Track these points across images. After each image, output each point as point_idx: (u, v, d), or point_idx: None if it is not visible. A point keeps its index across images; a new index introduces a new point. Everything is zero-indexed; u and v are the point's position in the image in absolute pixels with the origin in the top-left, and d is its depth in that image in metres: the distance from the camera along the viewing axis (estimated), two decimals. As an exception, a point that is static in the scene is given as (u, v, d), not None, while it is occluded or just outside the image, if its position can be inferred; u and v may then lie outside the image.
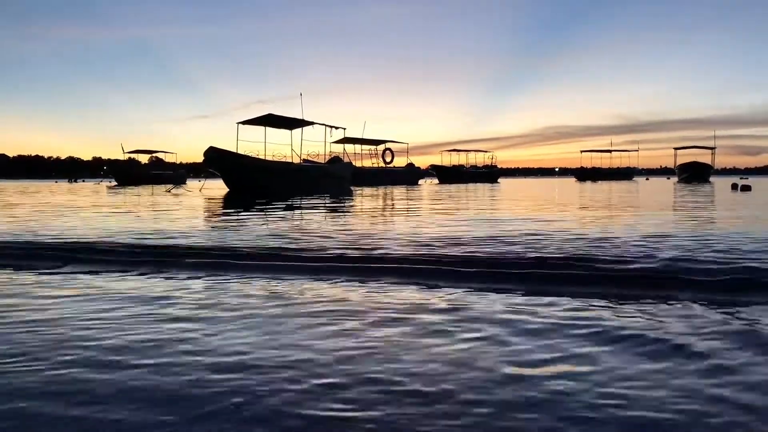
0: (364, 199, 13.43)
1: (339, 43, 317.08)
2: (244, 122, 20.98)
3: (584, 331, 2.03)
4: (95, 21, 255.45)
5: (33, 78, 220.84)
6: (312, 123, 22.40)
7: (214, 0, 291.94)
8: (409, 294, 2.73)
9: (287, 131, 23.30)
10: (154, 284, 3.04)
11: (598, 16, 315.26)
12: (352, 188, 22.53)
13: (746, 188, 17.83)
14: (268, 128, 22.22)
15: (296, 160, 22.84)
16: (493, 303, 2.50)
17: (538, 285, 2.91)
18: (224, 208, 10.16)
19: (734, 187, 18.81)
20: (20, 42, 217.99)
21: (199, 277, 3.22)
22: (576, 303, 2.47)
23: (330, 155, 25.99)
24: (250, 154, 19.88)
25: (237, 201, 12.33)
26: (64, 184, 40.02)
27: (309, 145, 29.18)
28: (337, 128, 24.41)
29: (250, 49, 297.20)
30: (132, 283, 3.07)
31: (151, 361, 1.73)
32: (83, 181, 64.08)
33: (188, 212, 8.75)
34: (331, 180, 22.61)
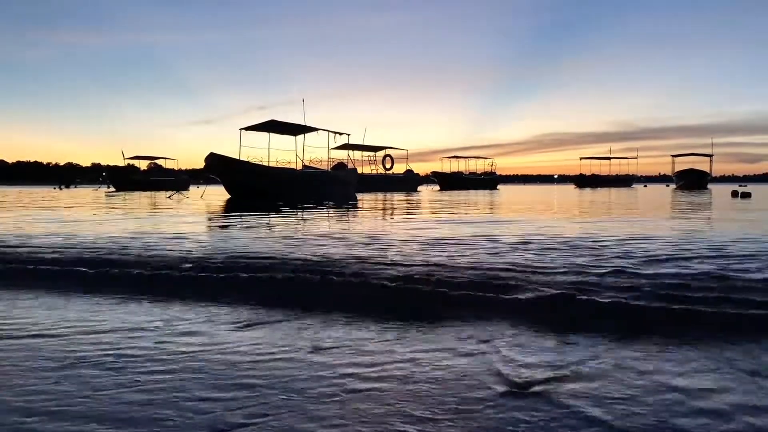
0: (348, 207, 13.49)
1: (339, 50, 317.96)
2: (248, 128, 20.93)
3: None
4: (96, 27, 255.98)
5: (33, 84, 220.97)
6: (316, 129, 22.36)
7: (214, 6, 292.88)
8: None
9: (289, 137, 23.29)
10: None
11: (597, 25, 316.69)
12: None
13: (746, 195, 18.36)
14: (270, 134, 22.22)
15: (299, 166, 22.84)
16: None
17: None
18: (216, 219, 10.22)
19: (734, 194, 19.27)
20: (20, 48, 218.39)
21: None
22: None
23: (332, 161, 25.98)
24: (253, 161, 19.87)
25: (232, 209, 12.39)
26: (75, 190, 39.70)
27: (312, 151, 29.23)
28: (341, 134, 24.36)
29: (251, 56, 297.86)
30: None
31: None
32: (74, 187, 62.25)
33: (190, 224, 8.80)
34: (335, 186, 22.51)
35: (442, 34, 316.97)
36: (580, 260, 3.74)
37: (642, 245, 4.53)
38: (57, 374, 1.77)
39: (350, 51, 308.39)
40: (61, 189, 48.64)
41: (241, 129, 20.89)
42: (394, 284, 2.96)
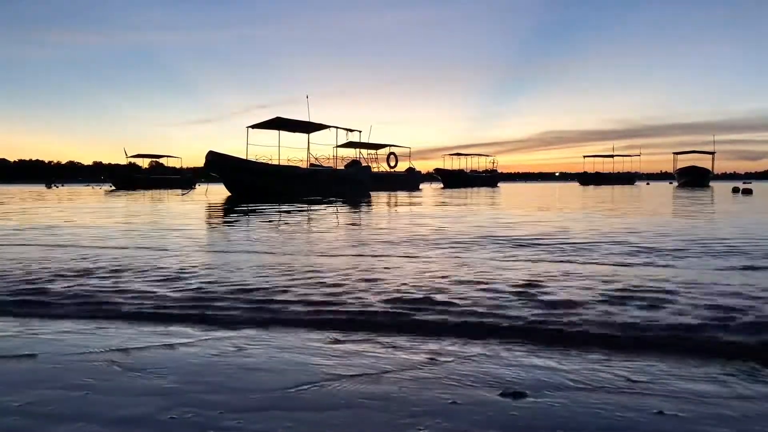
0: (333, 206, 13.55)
1: (340, 49, 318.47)
2: (254, 126, 20.70)
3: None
4: (97, 26, 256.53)
5: (34, 83, 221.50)
6: (327, 126, 21.97)
7: (215, 5, 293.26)
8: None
9: (295, 135, 22.94)
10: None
11: (598, 24, 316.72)
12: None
13: (747, 192, 18.99)
14: (274, 132, 21.89)
15: (310, 164, 22.55)
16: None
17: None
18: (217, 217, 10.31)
19: (735, 190, 19.96)
20: (21, 47, 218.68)
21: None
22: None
23: (342, 159, 25.77)
24: (262, 159, 19.70)
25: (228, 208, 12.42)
26: (63, 189, 39.22)
27: (318, 149, 29.15)
28: (352, 131, 24.07)
29: (252, 54, 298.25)
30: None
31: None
32: (61, 185, 59.62)
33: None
34: (346, 184, 21.94)
35: (444, 32, 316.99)
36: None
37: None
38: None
39: (352, 50, 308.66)
40: (48, 187, 46.05)
41: (248, 127, 20.67)
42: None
